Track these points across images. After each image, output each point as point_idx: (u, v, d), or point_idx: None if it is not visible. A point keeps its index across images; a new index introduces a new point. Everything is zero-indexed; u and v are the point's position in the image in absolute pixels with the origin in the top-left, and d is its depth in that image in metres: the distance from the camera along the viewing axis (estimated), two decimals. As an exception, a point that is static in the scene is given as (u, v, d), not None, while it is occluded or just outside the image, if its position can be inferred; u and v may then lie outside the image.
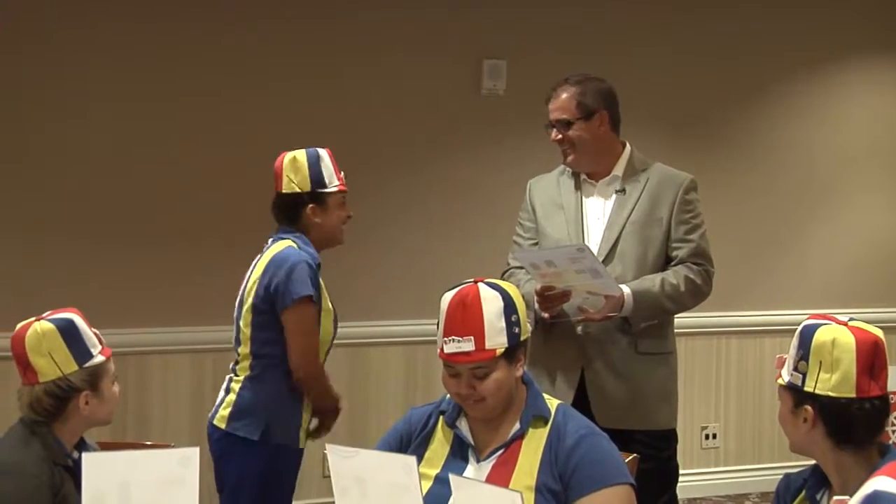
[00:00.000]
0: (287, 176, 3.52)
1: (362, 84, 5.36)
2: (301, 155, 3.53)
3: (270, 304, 3.44)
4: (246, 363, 3.50)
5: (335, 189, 3.54)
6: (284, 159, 3.55)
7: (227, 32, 5.14)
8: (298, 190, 3.51)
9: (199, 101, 5.10)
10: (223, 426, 3.49)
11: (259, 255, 3.58)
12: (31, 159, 4.89)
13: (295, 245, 3.48)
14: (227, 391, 3.54)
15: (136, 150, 5.01)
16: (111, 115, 4.98)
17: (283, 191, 3.54)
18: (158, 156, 5.04)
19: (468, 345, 2.57)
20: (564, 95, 3.68)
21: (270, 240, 3.58)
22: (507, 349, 2.60)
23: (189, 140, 5.09)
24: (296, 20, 5.25)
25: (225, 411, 3.50)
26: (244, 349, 3.52)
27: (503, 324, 2.59)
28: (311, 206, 3.51)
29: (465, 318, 2.58)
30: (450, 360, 2.61)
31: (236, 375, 3.54)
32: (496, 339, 2.58)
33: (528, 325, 2.72)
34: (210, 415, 3.58)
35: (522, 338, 2.65)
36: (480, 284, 2.63)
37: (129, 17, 5.00)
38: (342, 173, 3.58)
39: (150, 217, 5.04)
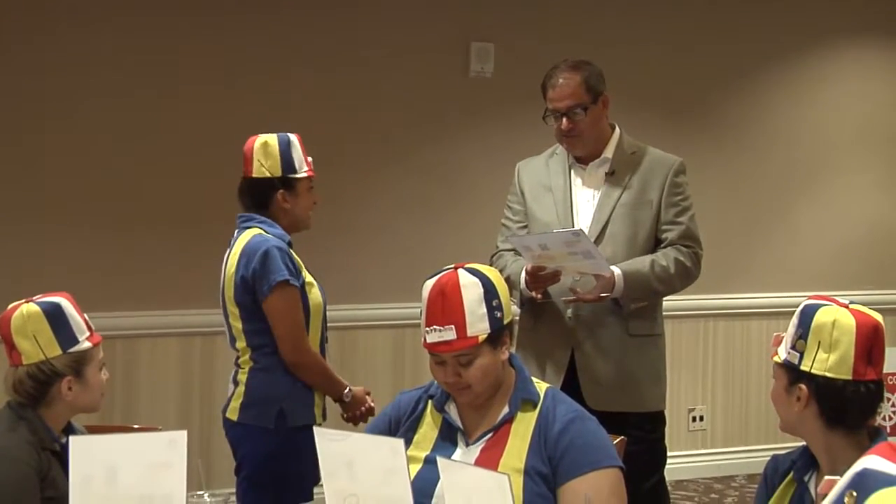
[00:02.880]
0: (258, 160, 3.48)
1: (349, 66, 5.34)
2: (272, 139, 3.50)
3: (251, 295, 3.42)
4: (247, 356, 3.49)
5: (304, 175, 3.52)
6: (255, 143, 3.51)
7: (214, 20, 5.11)
8: (269, 175, 3.47)
9: (189, 91, 5.08)
10: (235, 418, 3.48)
11: (229, 249, 3.53)
12: (24, 146, 4.87)
13: (262, 231, 3.45)
14: (236, 383, 3.51)
15: (126, 136, 4.99)
16: (102, 103, 4.96)
17: (254, 175, 3.50)
18: (149, 142, 5.02)
19: (449, 333, 2.56)
20: (572, 82, 3.61)
21: (237, 231, 3.53)
22: (489, 335, 2.59)
23: (177, 127, 5.06)
24: (282, 4, 5.22)
25: (236, 403, 3.48)
26: (240, 344, 3.50)
27: (484, 310, 2.58)
28: (281, 191, 3.48)
29: (445, 306, 2.57)
30: (433, 350, 2.60)
31: (241, 368, 3.52)
32: (477, 326, 2.57)
33: (514, 306, 2.70)
34: (222, 407, 3.56)
35: (505, 321, 2.63)
36: (460, 271, 2.62)
37: (129, 12, 4.98)
38: (310, 158, 3.56)
39: (139, 201, 5.02)
